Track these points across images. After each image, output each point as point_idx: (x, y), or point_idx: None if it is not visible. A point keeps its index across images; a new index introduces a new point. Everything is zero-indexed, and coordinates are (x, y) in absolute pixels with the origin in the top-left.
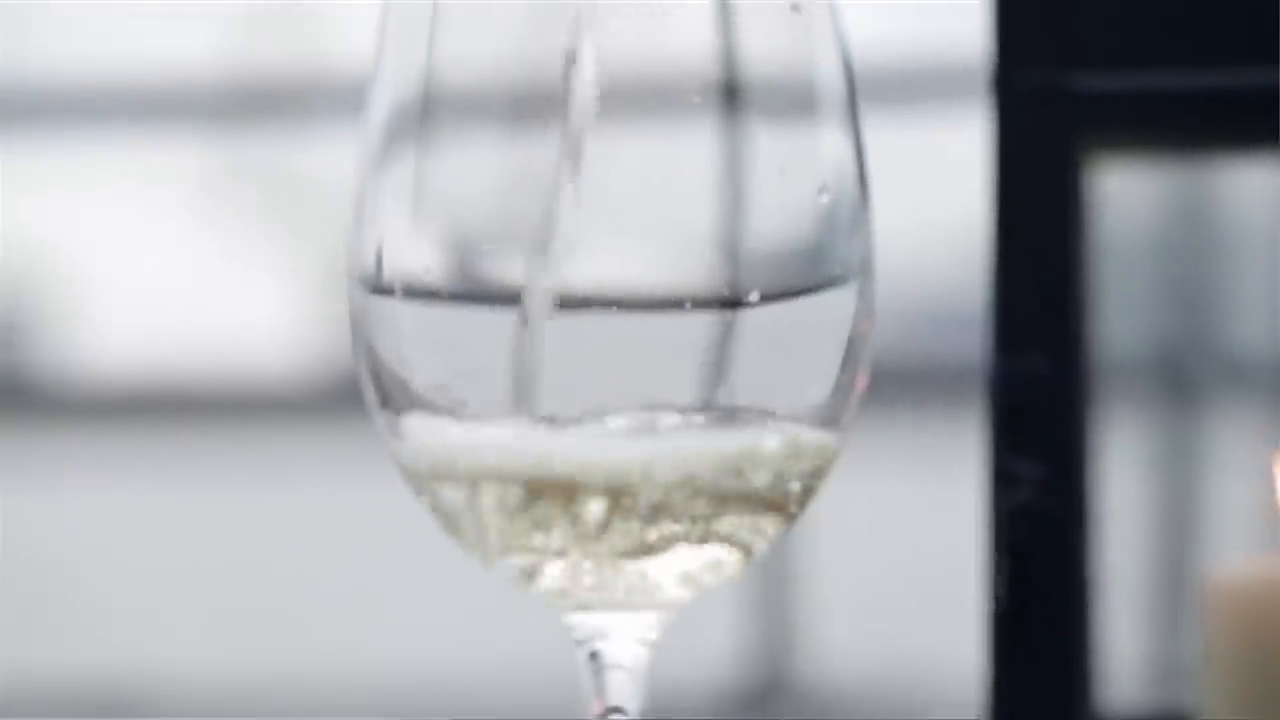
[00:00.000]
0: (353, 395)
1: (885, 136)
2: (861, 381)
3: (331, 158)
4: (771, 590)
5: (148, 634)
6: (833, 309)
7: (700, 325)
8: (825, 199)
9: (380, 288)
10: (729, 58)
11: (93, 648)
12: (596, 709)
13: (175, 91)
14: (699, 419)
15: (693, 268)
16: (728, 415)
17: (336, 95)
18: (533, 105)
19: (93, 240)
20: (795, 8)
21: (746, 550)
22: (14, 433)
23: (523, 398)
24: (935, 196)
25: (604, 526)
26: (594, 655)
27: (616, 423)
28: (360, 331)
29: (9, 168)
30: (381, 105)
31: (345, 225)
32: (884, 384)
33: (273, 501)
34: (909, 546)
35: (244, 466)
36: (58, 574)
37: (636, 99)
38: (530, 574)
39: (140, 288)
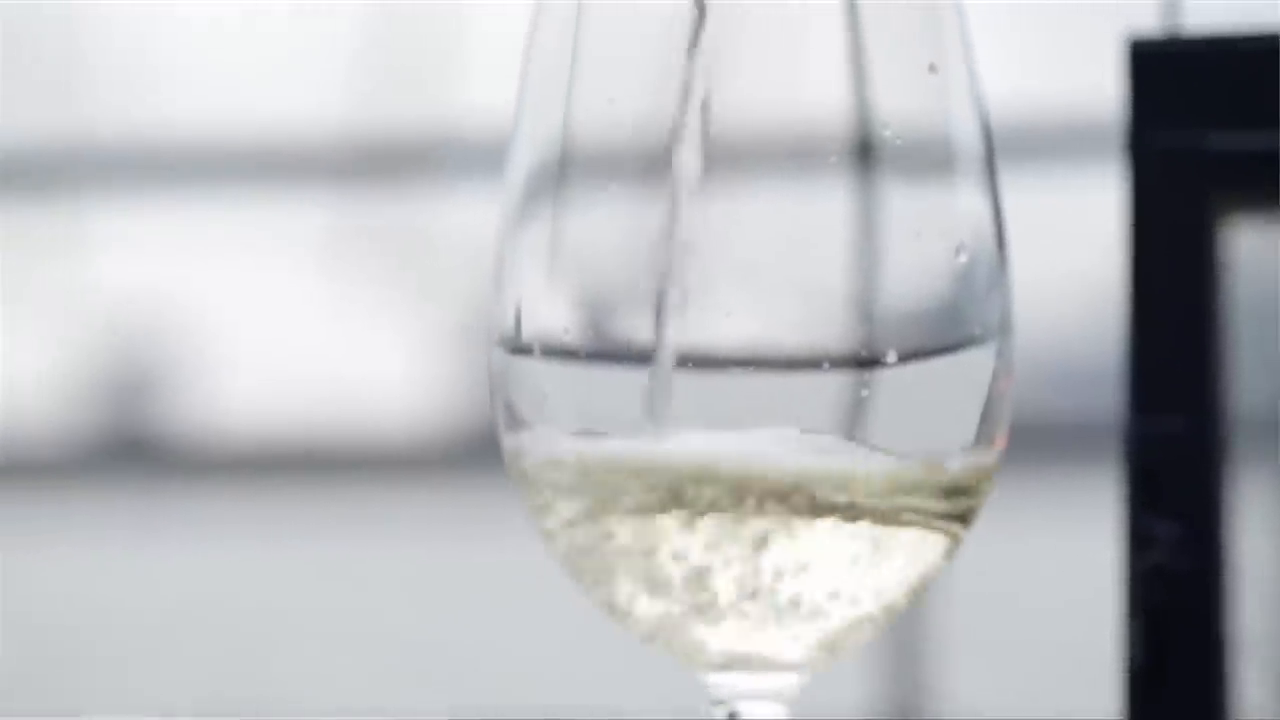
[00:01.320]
0: (478, 451)
1: (1020, 195)
2: (1000, 441)
3: (457, 215)
4: (905, 648)
5: (272, 686)
6: (971, 368)
7: (836, 385)
8: (963, 258)
9: (519, 347)
10: (864, 116)
11: (216, 700)
12: None
13: (302, 150)
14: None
15: (828, 327)
16: None
17: (462, 153)
18: (666, 163)
19: (220, 298)
20: (933, 68)
21: (886, 606)
22: (140, 489)
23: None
24: (1069, 254)
25: (761, 543)
26: (732, 717)
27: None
28: (500, 391)
29: (139, 225)
30: (520, 165)
31: (484, 285)
32: (1019, 442)
33: (398, 557)
34: (1044, 605)
35: (370, 522)
36: (185, 627)
37: (770, 157)
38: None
39: (267, 345)
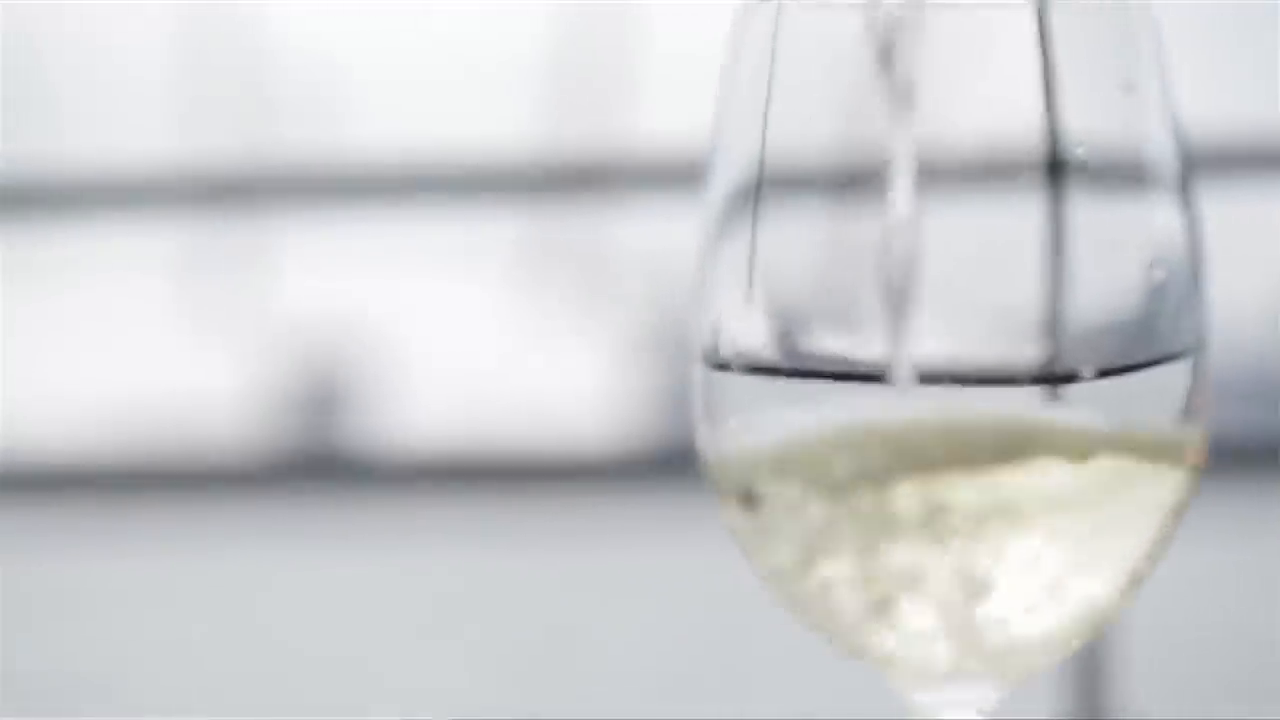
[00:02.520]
0: (667, 461)
1: (1217, 209)
2: (1196, 456)
3: (642, 231)
4: (1088, 666)
5: (461, 694)
6: (1166, 384)
7: (1030, 399)
8: (1158, 274)
9: (719, 363)
10: (1056, 134)
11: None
12: None
13: (490, 168)
14: None
15: (1023, 343)
16: None
17: (646, 171)
18: (861, 182)
19: (409, 313)
20: (1127, 86)
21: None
22: (331, 501)
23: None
24: (1258, 268)
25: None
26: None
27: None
28: (700, 405)
29: (327, 245)
30: (719, 186)
31: (663, 298)
32: (1210, 457)
33: (586, 564)
34: (1228, 618)
35: (558, 532)
36: (380, 633)
37: (963, 176)
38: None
39: (455, 359)
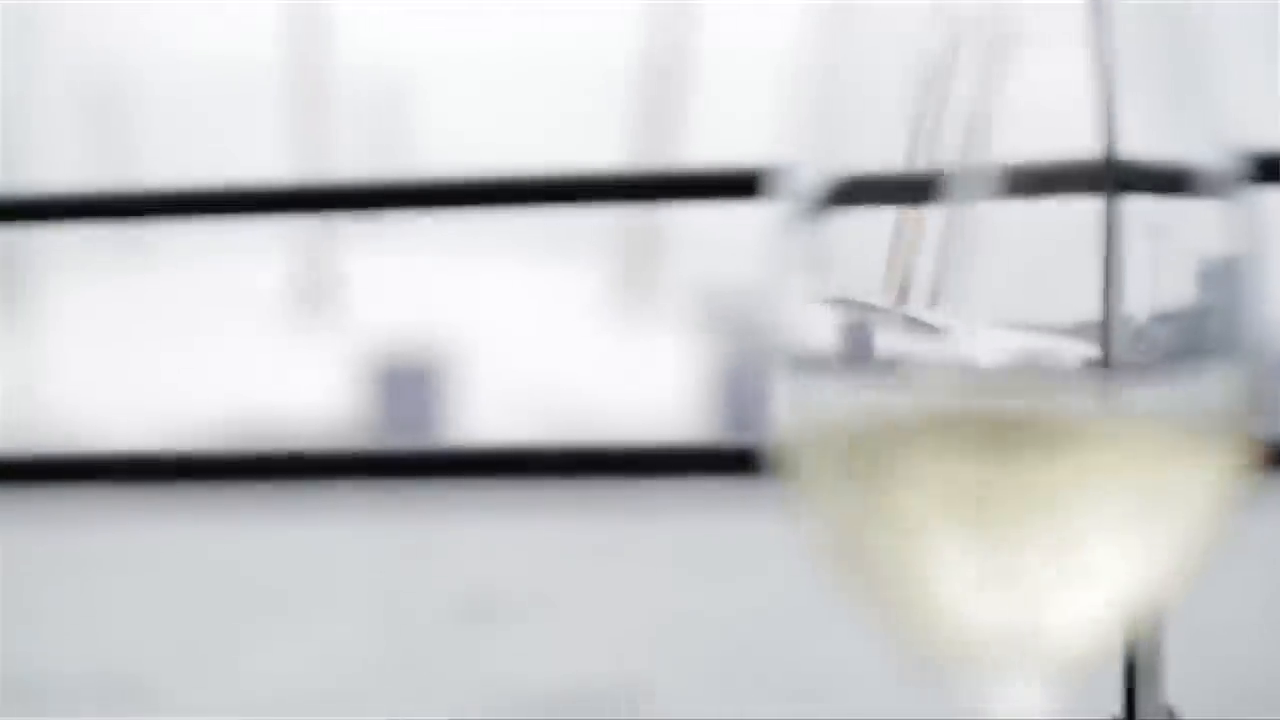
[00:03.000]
0: (739, 460)
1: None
2: (1259, 452)
3: (688, 236)
4: (1134, 666)
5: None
6: (1221, 383)
7: (1089, 394)
8: (1212, 274)
9: (793, 360)
10: (1113, 141)
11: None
12: None
13: (574, 179)
14: None
15: (1080, 339)
16: None
17: (710, 178)
18: (928, 186)
19: (490, 311)
20: (1182, 90)
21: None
22: (424, 486)
23: None
24: None
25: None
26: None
27: None
28: (776, 399)
29: (410, 260)
30: (791, 194)
31: (761, 299)
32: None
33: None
34: None
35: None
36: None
37: (1024, 179)
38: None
39: (536, 355)
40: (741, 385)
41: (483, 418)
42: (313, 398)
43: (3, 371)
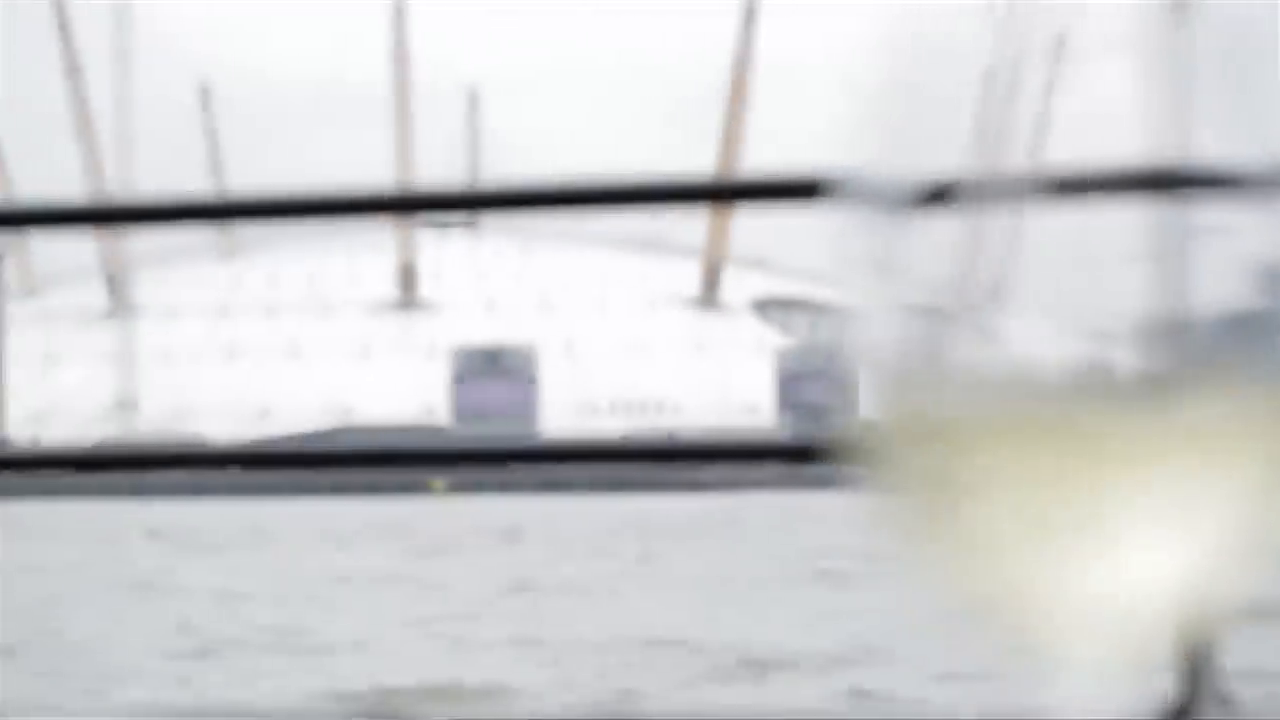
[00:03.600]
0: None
1: None
2: None
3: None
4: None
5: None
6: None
7: (1153, 395)
8: (1269, 279)
9: (859, 352)
10: (1179, 146)
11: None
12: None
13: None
14: None
15: (1136, 342)
16: None
17: (778, 184)
18: (999, 191)
19: (579, 301)
20: (1238, 110)
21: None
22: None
23: None
24: None
25: None
26: None
27: None
28: (861, 392)
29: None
30: (860, 198)
31: (842, 302)
32: None
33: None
34: None
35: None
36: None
37: (1084, 186)
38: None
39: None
40: (801, 384)
41: (565, 405)
42: (408, 387)
43: (115, 370)
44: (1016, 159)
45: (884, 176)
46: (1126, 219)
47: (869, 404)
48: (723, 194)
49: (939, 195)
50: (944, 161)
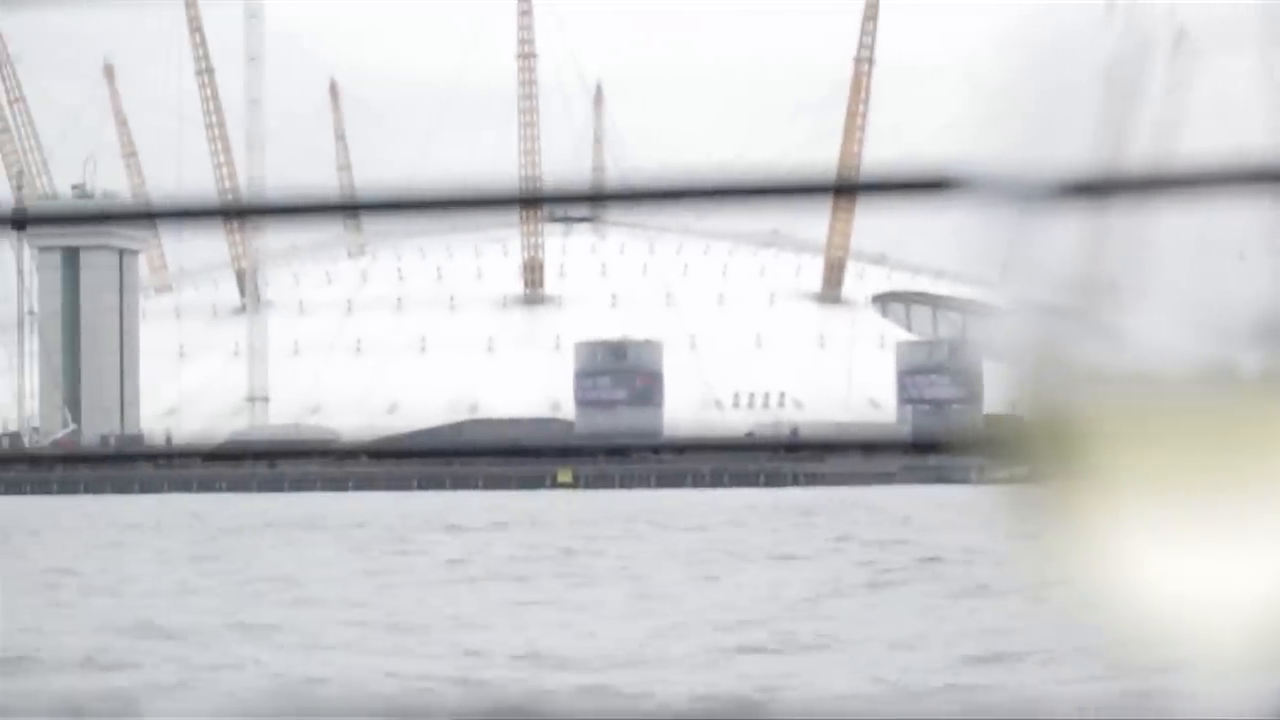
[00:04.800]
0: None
1: None
2: None
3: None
4: None
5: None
6: None
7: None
8: None
9: (993, 348)
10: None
11: None
12: None
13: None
14: None
15: (1243, 341)
16: None
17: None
18: (1125, 189)
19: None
20: None
21: None
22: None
23: None
24: None
25: None
26: None
27: None
28: (1005, 384)
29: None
30: (988, 195)
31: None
32: None
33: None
34: None
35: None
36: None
37: (1200, 184)
38: None
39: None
40: (922, 379)
41: (688, 399)
42: (533, 381)
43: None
44: (1140, 154)
45: (1014, 173)
46: (1249, 215)
47: (996, 399)
48: (847, 189)
49: (1068, 191)
50: (1070, 158)
